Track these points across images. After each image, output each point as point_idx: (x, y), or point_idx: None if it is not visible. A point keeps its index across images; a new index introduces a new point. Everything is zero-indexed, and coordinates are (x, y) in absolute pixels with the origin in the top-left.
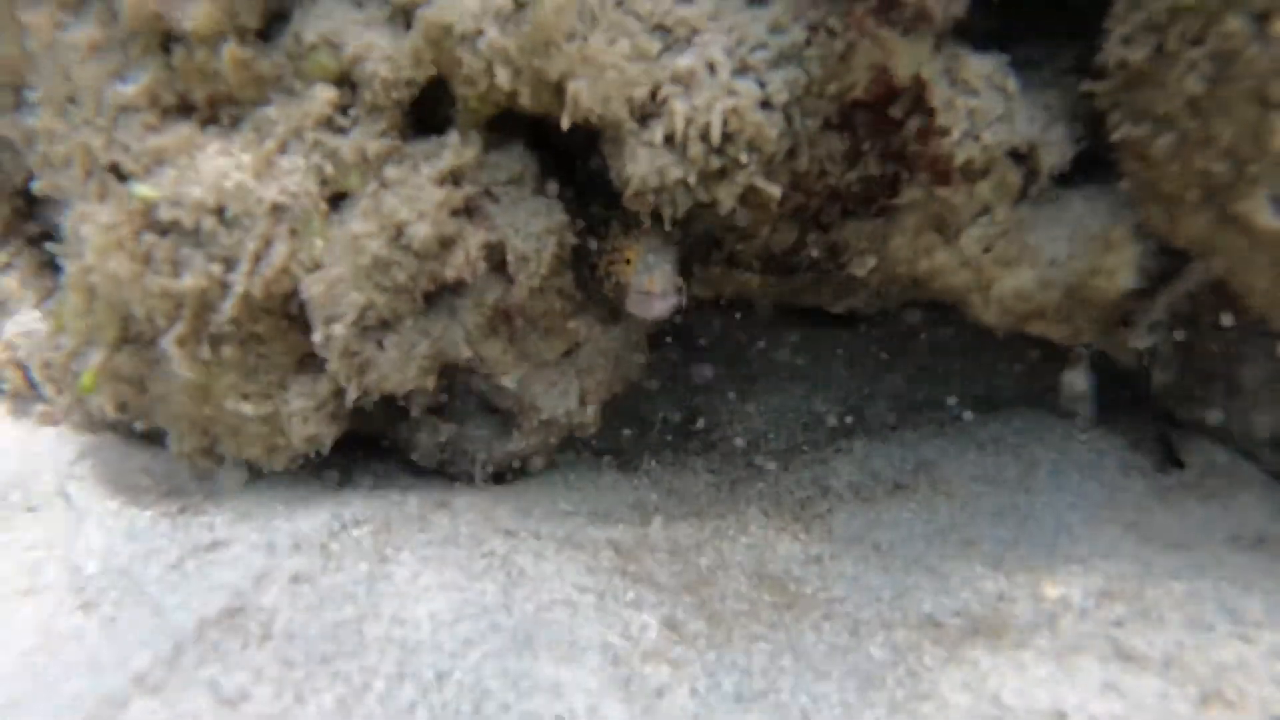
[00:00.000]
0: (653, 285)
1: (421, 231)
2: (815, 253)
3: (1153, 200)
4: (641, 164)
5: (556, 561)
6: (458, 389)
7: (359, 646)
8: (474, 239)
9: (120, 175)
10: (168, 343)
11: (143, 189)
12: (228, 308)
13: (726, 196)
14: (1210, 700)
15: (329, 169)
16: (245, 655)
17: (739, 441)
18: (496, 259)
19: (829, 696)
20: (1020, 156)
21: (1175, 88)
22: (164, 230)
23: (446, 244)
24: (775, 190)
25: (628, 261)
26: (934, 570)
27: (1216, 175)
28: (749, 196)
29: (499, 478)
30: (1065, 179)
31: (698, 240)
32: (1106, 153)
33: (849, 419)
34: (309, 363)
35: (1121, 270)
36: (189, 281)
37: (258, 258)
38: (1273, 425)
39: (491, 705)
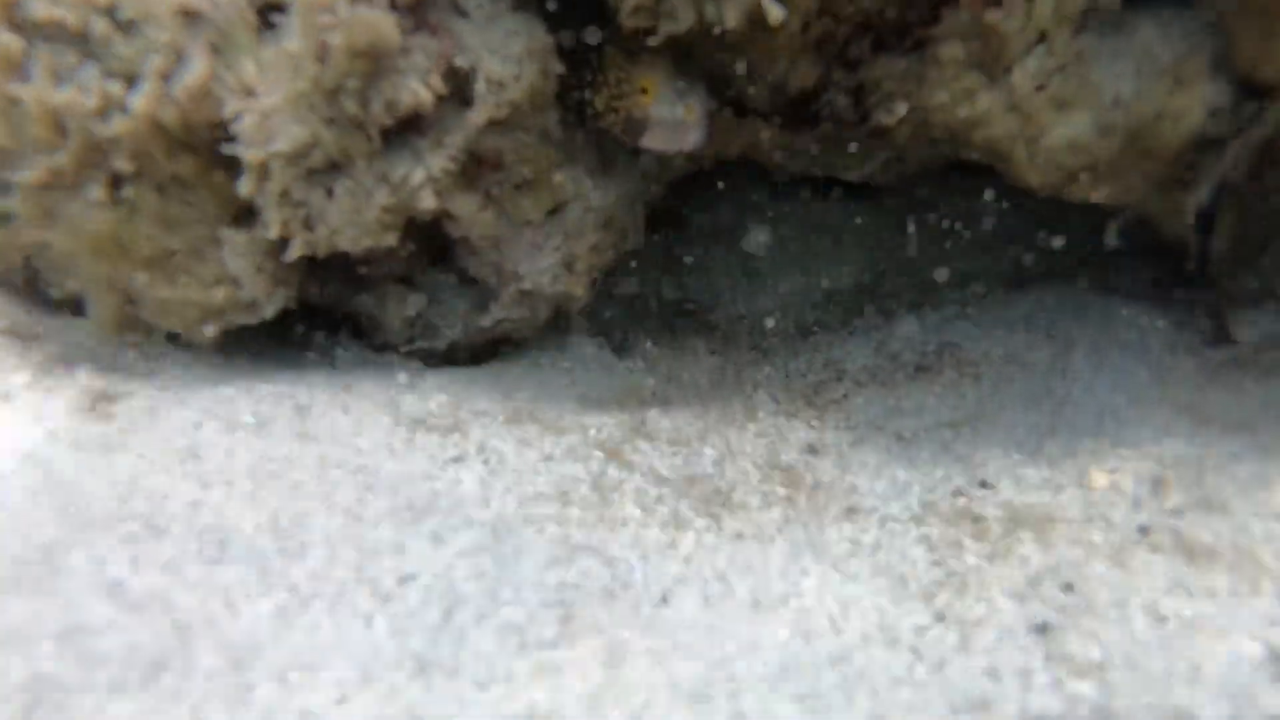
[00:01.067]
0: (690, 113)
1: (404, 59)
2: (839, 97)
3: (1241, 18)
4: None
5: (541, 448)
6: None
7: (304, 545)
8: (428, 47)
9: None
10: (25, 175)
11: None
12: (116, 127)
13: (732, 13)
14: None
15: None
16: (160, 549)
17: (743, 323)
18: (467, 90)
19: (860, 601)
20: None
21: None
22: (41, 33)
23: (389, 55)
24: (778, 12)
25: (644, 91)
26: (965, 459)
27: None
28: (756, 18)
29: (477, 357)
30: None
31: (701, 80)
32: None
33: (864, 297)
34: (246, 215)
35: (1192, 112)
36: (70, 94)
37: (165, 75)
38: None
39: (465, 613)
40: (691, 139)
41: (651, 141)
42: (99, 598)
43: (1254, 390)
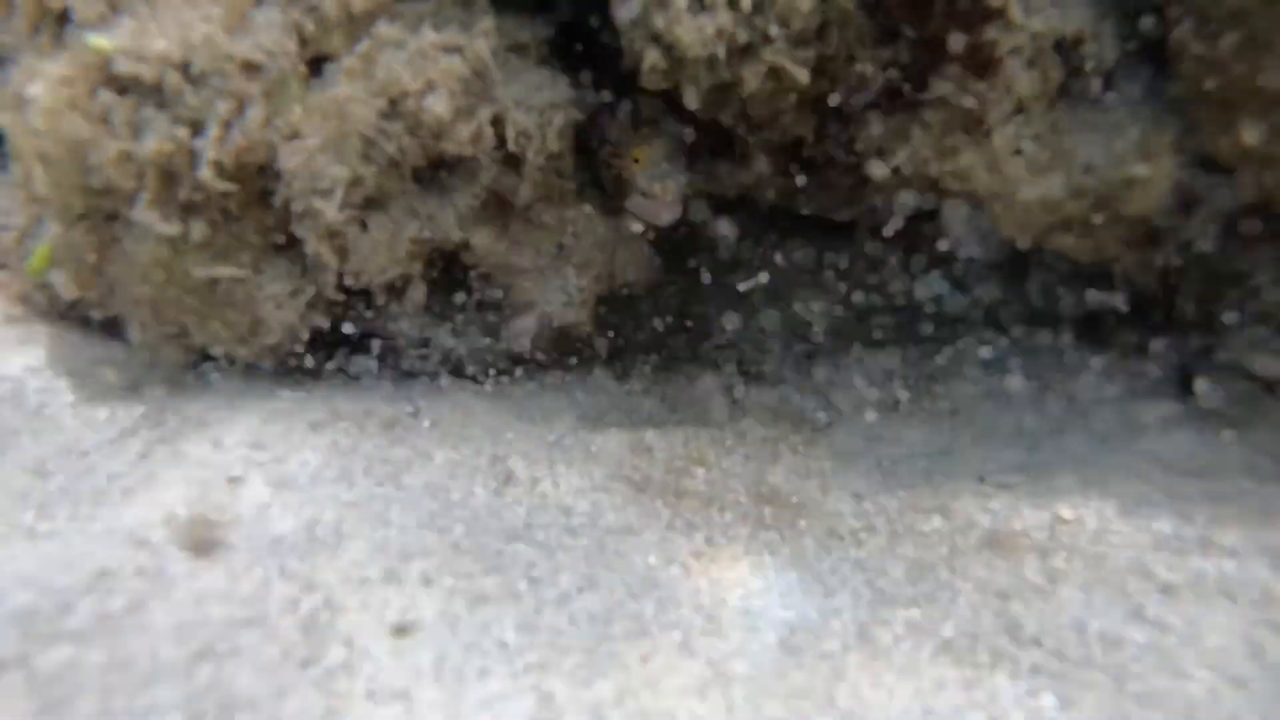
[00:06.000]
0: (664, 194)
1: (437, 106)
2: (832, 148)
3: (1205, 105)
4: (661, 35)
5: (548, 466)
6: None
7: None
8: (484, 112)
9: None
10: (140, 212)
11: (98, 39)
12: (202, 175)
13: (752, 76)
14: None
15: (309, 27)
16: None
17: (736, 351)
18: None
19: (841, 612)
20: (1066, 50)
21: None
22: (122, 88)
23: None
24: (803, 74)
25: (636, 161)
26: (941, 489)
27: None
28: (776, 78)
29: (487, 379)
30: (1107, 80)
31: (707, 130)
32: (1155, 53)
33: (850, 330)
34: (286, 245)
35: (1158, 182)
36: (151, 145)
37: (229, 122)
38: None
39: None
40: (665, 217)
41: (632, 206)
42: None
43: (1214, 441)
